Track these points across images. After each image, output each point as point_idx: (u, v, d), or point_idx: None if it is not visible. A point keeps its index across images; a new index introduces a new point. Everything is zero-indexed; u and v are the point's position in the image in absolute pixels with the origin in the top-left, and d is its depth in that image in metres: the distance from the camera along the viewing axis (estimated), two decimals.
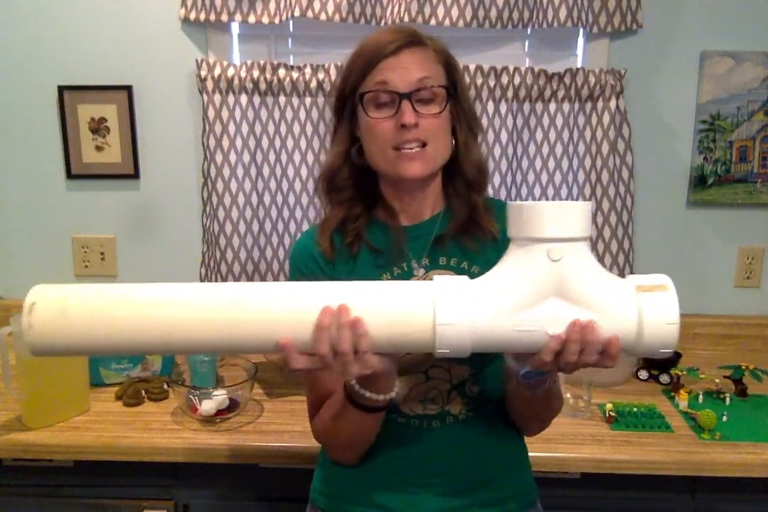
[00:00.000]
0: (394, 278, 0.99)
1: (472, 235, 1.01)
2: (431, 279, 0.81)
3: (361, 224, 1.01)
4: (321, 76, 1.73)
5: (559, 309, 0.77)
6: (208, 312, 0.78)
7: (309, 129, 1.77)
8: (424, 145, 0.94)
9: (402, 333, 0.78)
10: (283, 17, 1.69)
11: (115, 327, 0.78)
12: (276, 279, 1.85)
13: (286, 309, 0.79)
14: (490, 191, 1.70)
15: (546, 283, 0.77)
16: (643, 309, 0.76)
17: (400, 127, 0.93)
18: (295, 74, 1.73)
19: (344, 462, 1.03)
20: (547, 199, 1.80)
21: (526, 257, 0.78)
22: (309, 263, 1.01)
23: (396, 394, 0.90)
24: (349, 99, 0.98)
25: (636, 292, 0.77)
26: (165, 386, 1.58)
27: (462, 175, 1.01)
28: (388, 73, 0.93)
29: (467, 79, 1.71)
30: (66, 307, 0.78)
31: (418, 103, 0.93)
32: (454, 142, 1.00)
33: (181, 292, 0.80)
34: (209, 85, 1.73)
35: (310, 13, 1.67)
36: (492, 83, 1.72)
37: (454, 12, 1.67)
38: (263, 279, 1.85)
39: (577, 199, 1.81)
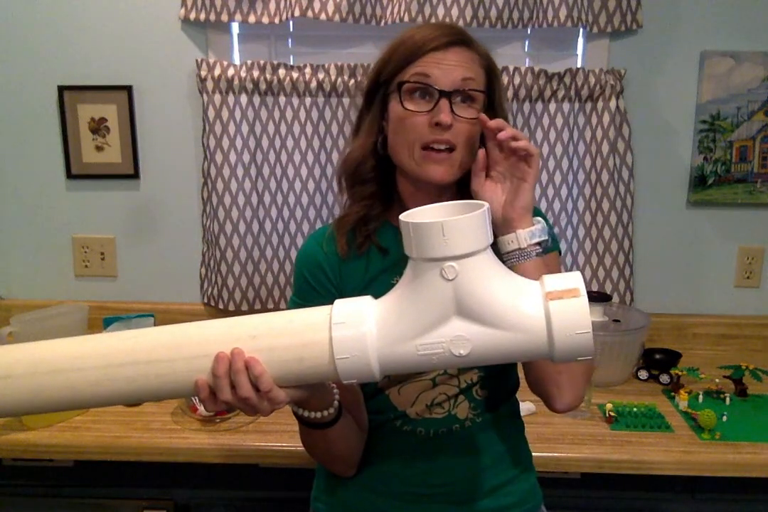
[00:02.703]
0: None
1: None
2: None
3: (373, 227, 0.98)
4: (321, 76, 1.73)
5: (462, 329, 0.72)
6: (115, 364, 0.76)
7: (309, 129, 1.77)
8: (452, 149, 0.90)
9: (305, 368, 0.75)
10: (283, 17, 1.69)
11: (22, 393, 0.77)
12: (276, 278, 1.85)
13: (192, 352, 0.76)
14: (490, 215, 1.69)
15: (445, 304, 0.72)
16: (552, 319, 0.70)
17: (434, 125, 0.89)
18: (295, 74, 1.73)
19: (338, 474, 1.03)
20: (547, 200, 1.80)
21: (421, 278, 0.73)
22: (314, 270, 0.99)
23: (335, 410, 0.89)
24: (382, 87, 0.95)
25: (545, 300, 0.72)
26: None
27: None
28: (432, 68, 0.90)
29: None
30: None
31: (457, 103, 0.90)
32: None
33: (86, 346, 0.79)
34: (209, 85, 1.73)
35: (310, 13, 1.67)
36: None
37: (454, 12, 1.67)
38: (263, 279, 1.85)
39: (577, 199, 1.81)
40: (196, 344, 0.77)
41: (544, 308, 0.71)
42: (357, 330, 0.74)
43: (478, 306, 0.72)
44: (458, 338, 0.73)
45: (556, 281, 0.73)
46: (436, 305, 0.73)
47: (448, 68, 0.90)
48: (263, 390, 0.75)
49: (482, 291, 0.72)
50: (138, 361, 0.76)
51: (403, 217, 0.75)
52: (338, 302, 0.77)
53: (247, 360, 0.74)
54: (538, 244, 0.89)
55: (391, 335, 0.74)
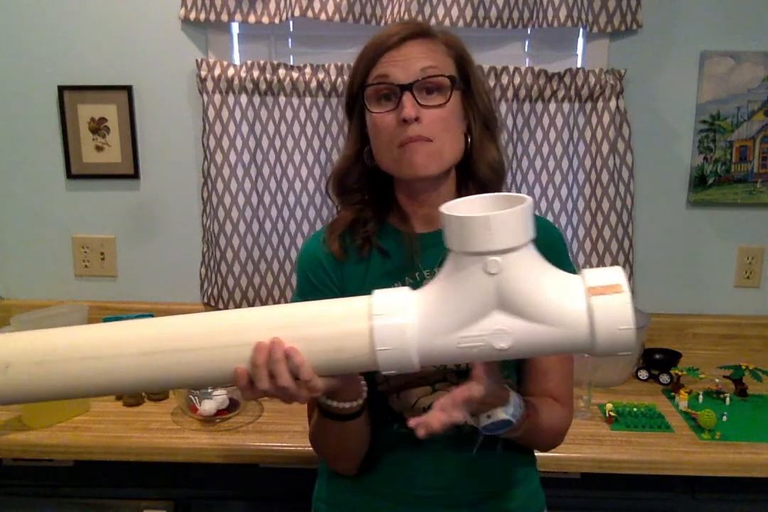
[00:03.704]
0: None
1: None
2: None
3: (371, 228, 0.97)
4: (321, 76, 1.73)
5: (504, 323, 0.72)
6: (151, 352, 0.76)
7: (309, 129, 1.77)
8: (428, 140, 0.89)
9: (344, 358, 0.75)
10: (283, 17, 1.69)
11: (57, 379, 0.77)
12: (276, 278, 1.85)
13: (230, 340, 0.77)
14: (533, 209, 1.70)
15: (486, 298, 0.72)
16: (595, 314, 0.70)
17: (402, 122, 0.88)
18: (295, 74, 1.73)
19: (342, 472, 1.02)
20: (547, 200, 1.80)
21: (463, 272, 0.73)
22: (316, 269, 0.99)
23: (363, 401, 0.89)
24: (356, 98, 0.95)
25: (587, 295, 0.71)
26: None
27: (475, 176, 0.96)
28: (389, 67, 0.89)
29: None
30: (9, 364, 0.77)
31: (421, 94, 0.89)
32: (470, 140, 0.95)
33: (124, 332, 0.79)
34: (209, 85, 1.73)
35: (310, 13, 1.67)
36: (492, 83, 1.72)
37: (454, 12, 1.67)
38: (263, 279, 1.85)
39: (577, 199, 1.81)
40: (234, 333, 0.77)
41: (586, 303, 0.71)
42: (398, 321, 0.74)
43: (520, 301, 0.72)
44: (499, 331, 0.73)
45: (598, 276, 0.73)
46: (478, 299, 0.73)
47: (404, 62, 0.89)
48: (303, 379, 0.75)
49: (524, 285, 0.72)
50: (176, 349, 0.76)
51: (445, 209, 0.74)
52: (377, 292, 0.77)
53: (287, 350, 0.74)
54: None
55: (433, 327, 0.74)
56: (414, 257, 0.96)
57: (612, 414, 1.46)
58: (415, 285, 0.94)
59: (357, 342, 0.74)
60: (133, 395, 1.54)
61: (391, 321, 0.74)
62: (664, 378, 1.64)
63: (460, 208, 0.75)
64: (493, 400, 0.83)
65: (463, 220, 0.71)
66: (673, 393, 1.58)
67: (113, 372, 0.77)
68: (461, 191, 0.98)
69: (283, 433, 1.40)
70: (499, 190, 0.98)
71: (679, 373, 1.61)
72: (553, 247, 0.92)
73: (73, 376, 0.77)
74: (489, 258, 0.71)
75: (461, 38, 0.97)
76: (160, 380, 0.78)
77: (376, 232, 0.98)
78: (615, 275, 0.73)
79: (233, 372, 0.76)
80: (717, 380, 1.60)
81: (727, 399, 1.55)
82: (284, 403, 0.82)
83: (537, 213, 1.81)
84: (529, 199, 0.72)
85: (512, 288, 0.72)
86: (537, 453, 1.09)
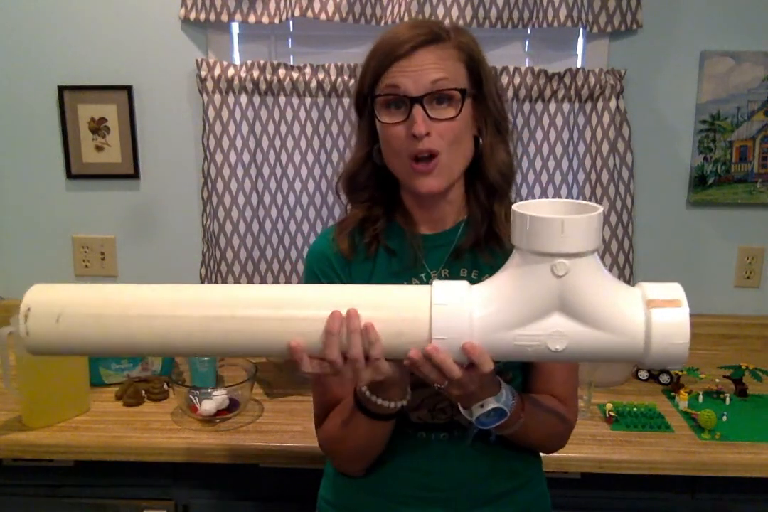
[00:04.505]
0: None
1: (490, 248, 0.96)
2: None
3: (380, 226, 0.98)
4: (321, 76, 1.73)
5: (562, 325, 0.74)
6: (212, 316, 0.77)
7: (309, 129, 1.77)
8: (435, 155, 0.89)
9: (402, 343, 0.76)
10: (283, 17, 1.69)
11: (111, 333, 0.77)
12: (276, 279, 1.85)
13: (293, 312, 0.77)
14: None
15: (549, 299, 0.74)
16: (652, 327, 0.72)
17: (412, 136, 0.88)
18: (295, 74, 1.73)
19: (350, 472, 1.02)
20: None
21: (529, 271, 0.74)
22: (324, 267, 0.98)
23: (407, 402, 0.88)
24: (367, 98, 0.94)
25: (646, 307, 0.73)
26: (165, 386, 1.58)
27: (484, 180, 0.96)
28: (400, 77, 0.88)
29: None
30: (61, 314, 0.77)
31: (432, 106, 0.88)
32: (480, 143, 0.94)
33: (182, 294, 0.79)
34: (209, 85, 1.73)
35: (310, 13, 1.67)
36: None
37: (454, 12, 1.66)
38: (263, 279, 1.85)
39: (577, 200, 1.81)
40: (295, 306, 0.78)
41: (645, 314, 0.73)
42: (458, 312, 0.75)
43: (582, 305, 0.73)
44: (557, 333, 0.74)
45: (657, 290, 0.75)
46: (541, 299, 0.74)
47: (414, 74, 0.88)
48: (374, 356, 0.75)
49: (588, 291, 0.74)
50: (235, 316, 0.76)
51: (518, 208, 0.75)
52: (437, 283, 0.78)
53: (366, 324, 0.75)
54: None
55: (492, 322, 0.75)
56: (420, 257, 0.96)
57: (612, 414, 1.46)
58: (422, 285, 0.94)
59: (416, 329, 0.75)
60: (133, 395, 1.54)
61: (451, 311, 0.75)
62: (664, 378, 1.64)
63: (530, 208, 0.76)
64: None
65: (537, 219, 0.72)
66: (673, 393, 1.58)
67: (170, 332, 0.77)
68: (469, 193, 0.98)
69: (283, 433, 1.40)
70: (508, 193, 0.98)
71: (679, 373, 1.61)
72: None
73: (127, 332, 0.77)
74: (557, 260, 0.72)
75: (472, 34, 0.95)
76: (214, 345, 0.78)
77: (383, 230, 0.98)
78: (675, 290, 0.75)
79: (289, 344, 0.76)
80: (717, 380, 1.60)
81: (727, 399, 1.55)
82: (335, 382, 0.84)
83: None
84: (601, 208, 0.74)
85: (575, 292, 0.73)
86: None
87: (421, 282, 0.96)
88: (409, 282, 0.96)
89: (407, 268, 0.97)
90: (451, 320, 0.74)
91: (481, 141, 0.94)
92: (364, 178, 0.98)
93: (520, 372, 1.00)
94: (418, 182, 0.91)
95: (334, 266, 0.98)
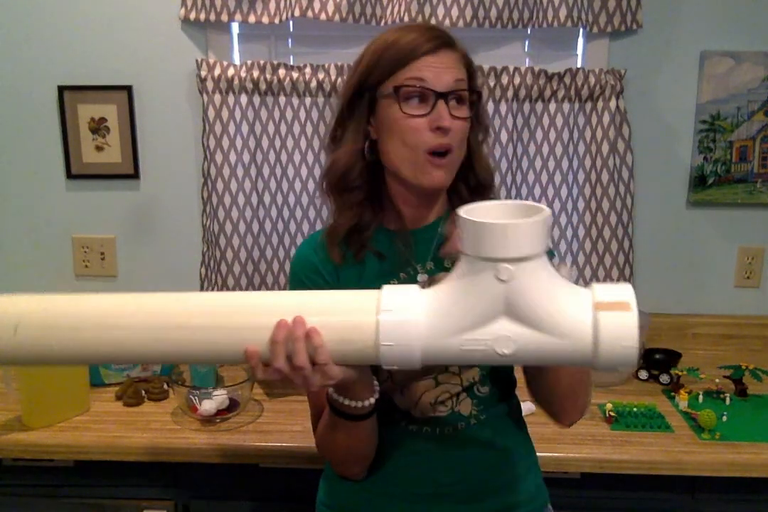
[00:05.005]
0: (401, 283, 0.95)
1: None
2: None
3: (368, 235, 0.98)
4: (321, 76, 1.73)
5: (509, 329, 0.73)
6: (163, 326, 0.77)
7: (309, 129, 1.77)
8: (450, 151, 0.92)
9: (350, 349, 0.76)
10: (283, 17, 1.69)
11: (67, 344, 0.77)
12: (276, 278, 1.85)
13: (243, 321, 0.77)
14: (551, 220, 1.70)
15: (495, 304, 0.73)
16: (600, 330, 0.71)
17: (436, 130, 0.90)
18: (295, 74, 1.73)
19: (350, 476, 1.02)
20: (547, 200, 1.80)
21: (475, 276, 0.73)
22: (310, 273, 0.99)
23: (375, 401, 0.89)
24: (367, 93, 0.94)
25: (594, 310, 0.72)
26: (165, 386, 1.58)
27: (472, 179, 1.00)
28: (426, 71, 0.90)
29: None
30: (18, 325, 0.77)
31: (452, 104, 0.91)
32: (471, 143, 0.98)
33: (137, 304, 0.79)
34: (209, 85, 1.73)
35: (310, 13, 1.67)
36: (492, 83, 1.72)
37: (454, 12, 1.67)
38: (263, 279, 1.85)
39: (577, 199, 1.81)
40: (246, 314, 0.78)
41: (592, 317, 0.72)
42: (405, 318, 0.75)
43: (528, 309, 0.73)
44: (503, 338, 0.73)
45: (607, 292, 0.74)
46: (487, 304, 0.74)
47: (440, 71, 0.91)
48: (320, 362, 0.76)
49: (534, 295, 0.73)
50: (185, 326, 0.77)
51: (464, 213, 0.74)
52: (387, 288, 0.78)
53: (309, 330, 0.75)
54: None
55: (439, 327, 0.75)
56: (410, 256, 0.98)
57: (612, 414, 1.46)
58: (409, 280, 0.97)
59: (363, 334, 0.75)
60: (133, 395, 1.54)
61: (398, 317, 0.75)
62: (664, 378, 1.64)
63: (477, 212, 0.76)
64: None
65: (481, 225, 0.71)
66: (673, 393, 1.58)
67: (123, 342, 0.77)
68: (451, 195, 1.01)
69: (283, 433, 1.40)
70: (491, 191, 1.01)
71: (679, 373, 1.61)
72: None
73: (83, 343, 0.77)
74: (501, 265, 0.71)
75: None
76: (171, 354, 0.78)
77: (372, 236, 0.99)
78: (624, 292, 0.73)
79: (244, 352, 0.76)
80: (717, 380, 1.60)
81: (727, 399, 1.55)
82: (297, 388, 0.82)
83: None
84: (548, 210, 0.73)
85: (521, 297, 0.73)
86: (537, 453, 1.10)
87: (409, 278, 0.98)
88: (398, 278, 0.98)
89: (396, 267, 0.98)
90: (398, 326, 0.74)
91: (471, 141, 0.98)
92: (356, 176, 0.97)
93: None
94: (428, 175, 0.92)
95: (321, 272, 0.99)
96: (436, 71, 0.90)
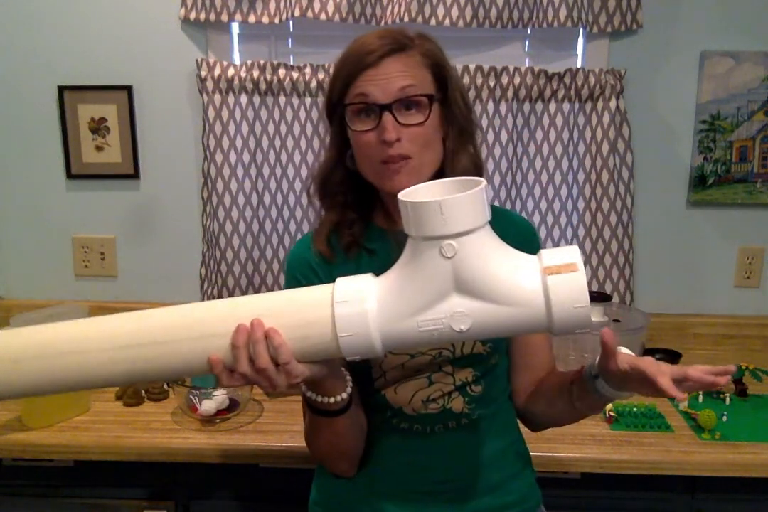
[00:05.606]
0: None
1: None
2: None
3: (357, 231, 1.00)
4: (321, 76, 1.73)
5: (462, 305, 0.74)
6: (126, 347, 0.77)
7: (309, 129, 1.77)
8: (408, 158, 0.91)
9: (310, 345, 0.77)
10: (283, 17, 1.69)
11: (31, 376, 0.78)
12: (276, 278, 1.85)
13: (203, 331, 0.78)
14: (489, 192, 1.70)
15: (444, 281, 0.74)
16: (550, 294, 0.71)
17: (382, 142, 0.91)
18: (295, 74, 1.73)
19: (338, 473, 1.02)
20: (547, 200, 1.80)
21: (419, 256, 0.74)
22: (305, 271, 1.00)
23: (348, 395, 0.89)
24: (337, 106, 0.96)
25: (543, 275, 0.72)
26: (165, 386, 1.58)
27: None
28: (368, 86, 0.91)
29: (467, 80, 1.71)
30: None
31: (401, 112, 0.91)
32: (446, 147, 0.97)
33: (98, 328, 0.80)
34: (209, 85, 1.73)
35: (310, 13, 1.67)
36: (492, 83, 1.72)
37: (454, 12, 1.67)
38: (263, 279, 1.85)
39: (577, 199, 1.81)
40: (202, 325, 0.78)
41: (542, 283, 0.72)
42: (359, 307, 0.75)
43: (477, 283, 0.73)
44: (458, 314, 0.74)
45: (554, 256, 0.74)
46: (436, 282, 0.74)
47: (382, 82, 0.90)
48: (282, 362, 0.76)
49: (480, 267, 0.73)
50: (143, 343, 0.77)
51: (402, 196, 0.75)
52: (340, 280, 0.78)
53: (267, 331, 0.76)
54: None
55: (392, 312, 0.75)
56: (400, 252, 0.97)
57: (612, 414, 1.46)
58: None
59: (320, 329, 0.76)
60: (133, 395, 1.54)
61: (352, 308, 0.75)
62: None
63: (419, 193, 0.77)
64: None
65: (417, 205, 0.72)
66: None
67: (88, 367, 0.78)
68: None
69: (283, 433, 1.40)
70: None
71: None
72: (530, 244, 0.92)
73: (47, 373, 0.78)
74: (444, 242, 0.72)
75: (436, 39, 0.98)
76: (130, 373, 0.78)
77: (363, 234, 1.00)
78: (571, 254, 0.74)
79: (208, 360, 0.77)
80: None
81: (727, 399, 1.55)
82: (266, 392, 0.84)
83: (534, 212, 1.82)
84: (484, 181, 0.74)
85: (468, 271, 0.73)
86: (536, 453, 1.11)
87: None
88: None
89: (386, 266, 0.98)
90: (353, 316, 0.75)
91: (446, 142, 0.97)
92: (336, 182, 1.00)
93: (506, 356, 1.04)
94: (389, 181, 0.93)
95: (314, 269, 1.00)
96: (378, 83, 0.90)
